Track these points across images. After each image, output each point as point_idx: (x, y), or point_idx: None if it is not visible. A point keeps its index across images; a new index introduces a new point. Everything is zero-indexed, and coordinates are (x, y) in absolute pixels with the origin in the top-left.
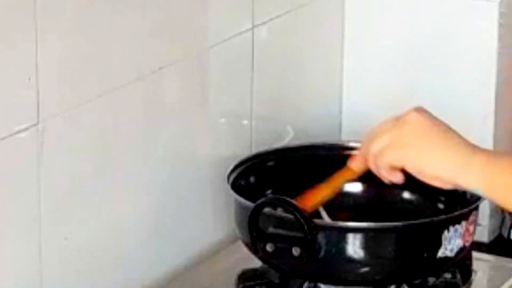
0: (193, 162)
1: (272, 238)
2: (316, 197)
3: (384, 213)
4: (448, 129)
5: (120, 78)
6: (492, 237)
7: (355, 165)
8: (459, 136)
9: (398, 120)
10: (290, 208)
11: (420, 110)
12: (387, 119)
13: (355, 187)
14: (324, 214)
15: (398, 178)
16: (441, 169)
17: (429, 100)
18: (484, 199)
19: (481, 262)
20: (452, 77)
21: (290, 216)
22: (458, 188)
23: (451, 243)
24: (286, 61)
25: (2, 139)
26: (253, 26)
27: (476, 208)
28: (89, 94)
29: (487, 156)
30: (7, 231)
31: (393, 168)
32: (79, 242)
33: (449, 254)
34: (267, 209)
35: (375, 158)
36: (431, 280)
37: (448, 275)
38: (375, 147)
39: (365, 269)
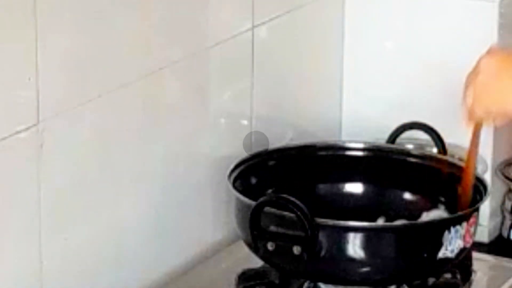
0: (193, 162)
1: (273, 236)
2: (472, 161)
3: (384, 213)
4: None
5: (120, 78)
6: (492, 238)
7: (470, 125)
8: None
9: (473, 70)
10: (292, 206)
11: (490, 52)
12: (471, 70)
13: (356, 187)
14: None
15: (501, 121)
16: None
17: (429, 100)
18: (484, 200)
19: (481, 262)
20: (452, 77)
21: (291, 214)
22: None
23: (451, 244)
24: (286, 61)
25: (2, 139)
26: (253, 26)
27: (477, 209)
28: (89, 94)
29: None
30: (7, 231)
31: (491, 115)
32: (79, 242)
33: (450, 255)
34: (268, 208)
35: (471, 113)
36: (431, 280)
37: (448, 275)
38: (467, 104)
39: (366, 269)
